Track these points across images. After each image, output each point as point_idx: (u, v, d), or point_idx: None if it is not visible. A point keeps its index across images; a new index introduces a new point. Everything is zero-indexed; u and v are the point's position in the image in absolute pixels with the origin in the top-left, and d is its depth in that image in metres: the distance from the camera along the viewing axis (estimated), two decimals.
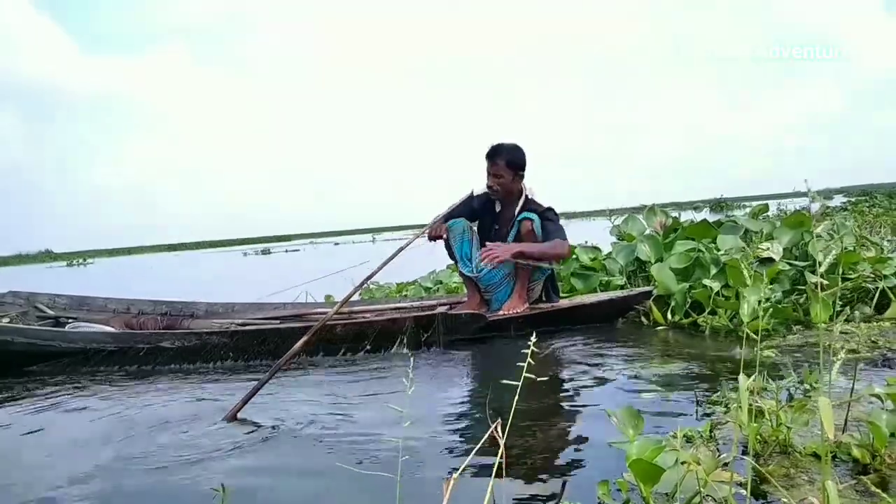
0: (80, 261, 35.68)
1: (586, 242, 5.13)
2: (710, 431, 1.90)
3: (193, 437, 2.22)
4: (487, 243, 3.63)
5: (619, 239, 5.07)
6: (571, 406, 2.42)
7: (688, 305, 3.85)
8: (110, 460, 2.05)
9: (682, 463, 1.34)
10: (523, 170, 3.80)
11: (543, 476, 1.70)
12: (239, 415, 2.40)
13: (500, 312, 3.78)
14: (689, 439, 1.87)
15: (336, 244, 34.35)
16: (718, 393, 2.31)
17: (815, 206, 1.34)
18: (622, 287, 4.37)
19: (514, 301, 3.80)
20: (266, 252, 28.57)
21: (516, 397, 1.43)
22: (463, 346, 3.57)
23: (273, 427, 2.30)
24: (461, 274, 4.06)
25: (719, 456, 1.39)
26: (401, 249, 3.50)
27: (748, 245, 4.29)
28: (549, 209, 3.79)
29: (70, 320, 4.32)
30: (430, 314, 3.68)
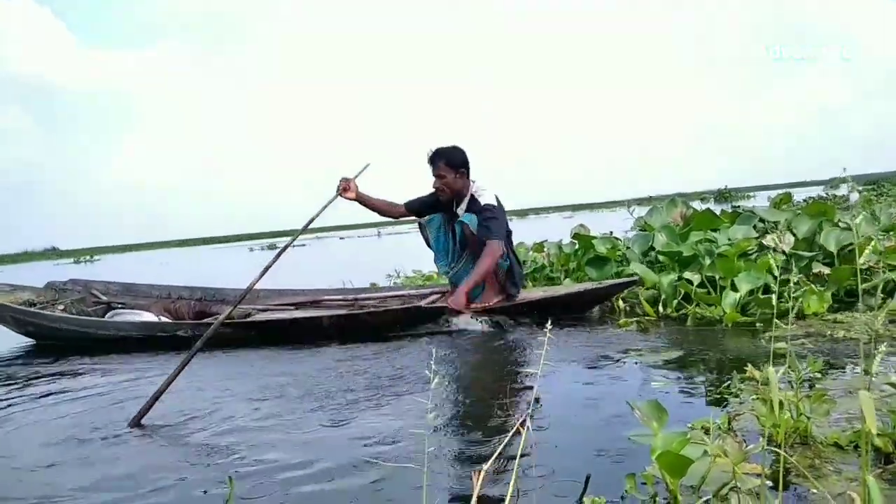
0: (87, 258, 35.80)
1: (611, 233, 5.21)
2: (729, 423, 1.88)
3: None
4: (448, 303, 3.81)
5: (641, 230, 5.09)
6: (580, 398, 2.39)
7: (680, 297, 3.93)
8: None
9: (709, 455, 1.33)
10: (463, 167, 3.99)
11: (564, 468, 1.68)
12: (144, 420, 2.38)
13: (473, 305, 3.90)
14: (706, 431, 1.85)
15: (341, 238, 34.34)
16: (728, 384, 2.30)
17: (855, 196, 1.32)
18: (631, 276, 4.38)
19: (488, 294, 3.98)
20: (272, 247, 28.59)
21: (535, 388, 1.42)
22: (438, 338, 3.72)
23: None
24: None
25: (745, 447, 1.37)
26: (324, 209, 3.95)
27: (765, 235, 4.28)
28: (485, 208, 3.91)
29: (118, 305, 4.96)
30: (390, 308, 4.08)
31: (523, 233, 10.32)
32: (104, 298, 5.13)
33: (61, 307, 4.87)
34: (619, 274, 4.54)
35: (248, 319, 4.37)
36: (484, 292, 3.97)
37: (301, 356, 3.59)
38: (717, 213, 5.04)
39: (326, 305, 4.77)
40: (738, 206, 8.61)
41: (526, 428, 1.20)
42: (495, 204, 3.93)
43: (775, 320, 1.58)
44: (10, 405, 2.88)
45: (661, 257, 4.41)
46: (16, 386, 3.31)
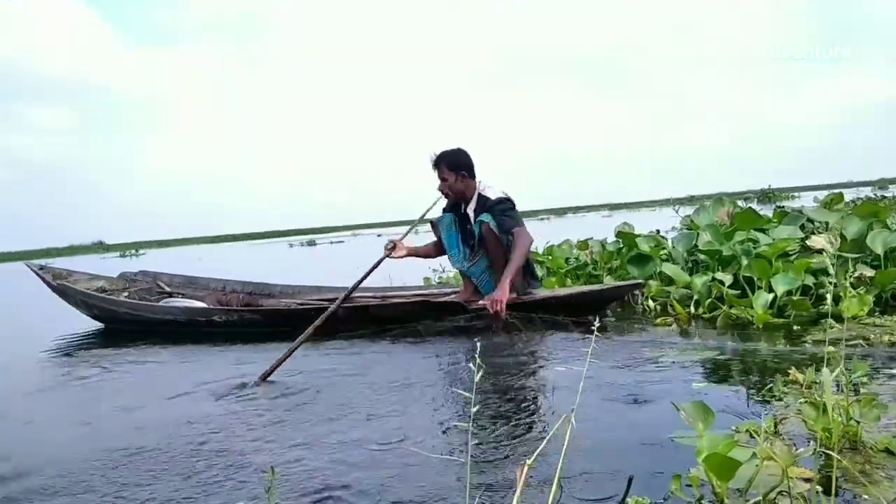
0: (133, 252, 36.62)
1: (657, 231, 5.16)
2: (775, 426, 1.84)
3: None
4: (486, 299, 3.77)
5: (688, 229, 5.03)
6: (620, 396, 2.37)
7: (713, 297, 3.88)
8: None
9: (758, 458, 1.30)
10: (465, 169, 4.05)
11: (605, 467, 1.67)
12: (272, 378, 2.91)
13: (481, 302, 3.90)
14: (752, 434, 1.82)
15: (379, 235, 34.56)
16: (770, 387, 2.26)
17: None
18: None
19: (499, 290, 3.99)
20: (311, 243, 28.91)
21: (581, 385, 1.41)
22: (456, 333, 3.81)
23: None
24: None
25: (795, 451, 1.34)
26: (374, 268, 4.10)
27: (811, 236, 4.17)
28: (499, 201, 3.94)
29: (178, 295, 5.44)
30: (409, 301, 4.18)
31: (562, 231, 10.24)
32: (167, 289, 5.62)
33: (125, 294, 5.42)
34: (658, 274, 4.49)
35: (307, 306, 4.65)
36: (496, 289, 3.93)
37: (343, 347, 3.69)
38: (761, 213, 4.96)
39: (359, 303, 4.83)
40: (783, 206, 8.43)
41: (570, 425, 1.18)
42: (507, 196, 3.97)
43: (830, 320, 1.54)
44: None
45: (702, 256, 4.35)
46: (103, 360, 3.87)
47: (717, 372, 2.60)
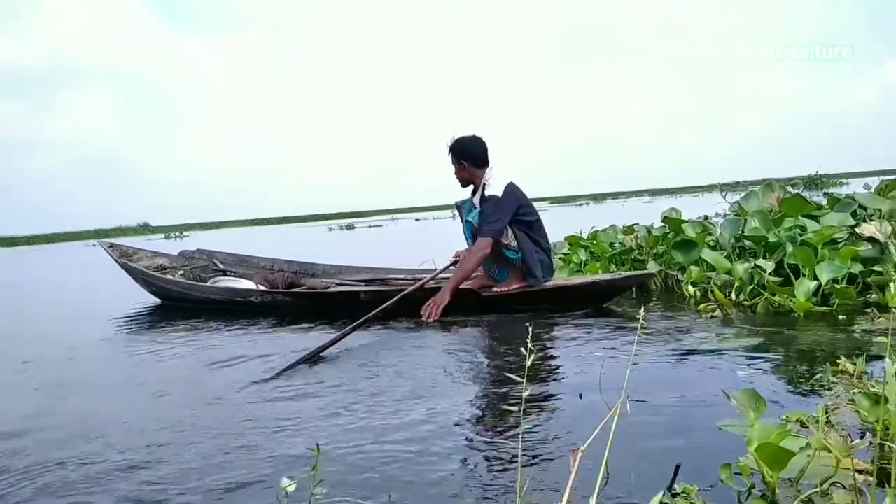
0: (177, 234, 37.42)
1: (705, 217, 5.09)
2: (826, 416, 1.81)
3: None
4: (423, 307, 3.86)
5: (736, 215, 4.95)
6: (664, 383, 2.35)
7: (754, 284, 3.83)
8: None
9: (811, 448, 1.28)
10: (465, 158, 4.07)
11: (650, 454, 1.66)
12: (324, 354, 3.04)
13: (494, 290, 4.03)
14: (802, 424, 1.79)
15: (417, 220, 34.66)
16: (818, 376, 2.23)
17: None
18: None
19: (511, 281, 4.04)
20: (350, 227, 29.17)
21: (628, 373, 1.40)
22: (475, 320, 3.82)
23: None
24: None
25: (851, 442, 1.31)
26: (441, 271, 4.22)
27: (862, 223, 4.05)
28: (487, 200, 3.95)
29: (231, 273, 5.78)
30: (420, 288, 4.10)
31: (603, 217, 10.14)
32: (221, 267, 5.97)
33: (181, 272, 5.79)
34: (699, 262, 4.42)
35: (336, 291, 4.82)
36: (508, 279, 4.05)
37: (376, 329, 3.75)
38: (810, 199, 4.85)
39: (392, 284, 4.99)
40: (831, 193, 8.20)
41: (618, 413, 1.18)
42: (497, 195, 3.94)
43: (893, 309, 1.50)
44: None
45: (747, 243, 4.27)
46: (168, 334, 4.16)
47: (762, 359, 2.56)
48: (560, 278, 4.34)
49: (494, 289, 4.03)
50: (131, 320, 4.90)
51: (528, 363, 1.07)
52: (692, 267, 4.32)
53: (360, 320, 3.44)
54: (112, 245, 6.18)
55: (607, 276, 4.11)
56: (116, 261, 5.83)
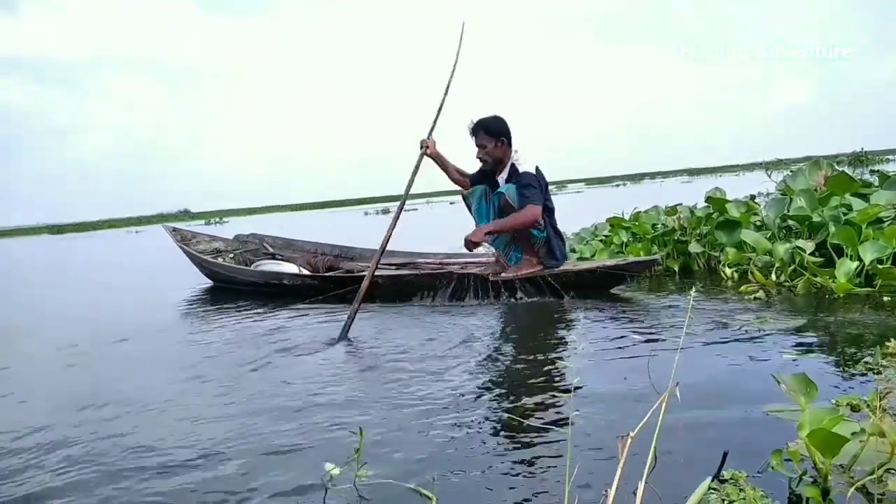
0: (217, 220, 38.03)
1: (751, 196, 5.00)
2: (879, 400, 1.78)
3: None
4: (467, 236, 3.92)
5: (782, 194, 4.85)
6: (709, 366, 2.32)
7: (795, 264, 3.78)
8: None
9: (865, 433, 1.26)
10: (504, 136, 4.07)
11: (697, 439, 1.65)
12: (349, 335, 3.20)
13: (503, 274, 4.04)
14: (853, 408, 1.76)
15: (452, 203, 34.63)
16: (866, 359, 2.19)
17: None
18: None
19: (522, 264, 4.06)
20: (385, 211, 29.29)
21: (677, 359, 1.40)
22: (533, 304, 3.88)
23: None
24: None
25: None
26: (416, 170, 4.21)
27: None
28: (523, 176, 3.95)
29: (279, 256, 6.09)
30: (438, 272, 4.30)
31: (641, 197, 10.00)
32: (271, 250, 6.29)
33: (231, 255, 6.18)
34: (740, 246, 4.36)
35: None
36: (521, 261, 4.06)
37: (399, 311, 3.93)
38: (856, 177, 4.73)
39: (422, 267, 5.07)
40: (877, 170, 7.96)
41: (670, 398, 1.18)
42: (534, 172, 3.96)
43: None
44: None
45: (792, 223, 4.19)
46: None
47: (807, 342, 2.53)
48: (570, 262, 4.31)
49: (503, 274, 4.05)
50: (195, 300, 5.34)
51: (579, 350, 1.07)
52: (729, 249, 4.26)
53: (358, 293, 3.54)
54: (175, 229, 6.58)
55: (610, 262, 4.09)
56: (177, 244, 6.24)
